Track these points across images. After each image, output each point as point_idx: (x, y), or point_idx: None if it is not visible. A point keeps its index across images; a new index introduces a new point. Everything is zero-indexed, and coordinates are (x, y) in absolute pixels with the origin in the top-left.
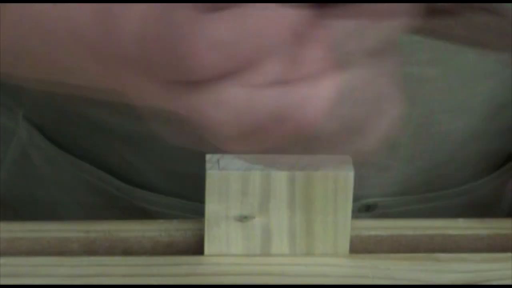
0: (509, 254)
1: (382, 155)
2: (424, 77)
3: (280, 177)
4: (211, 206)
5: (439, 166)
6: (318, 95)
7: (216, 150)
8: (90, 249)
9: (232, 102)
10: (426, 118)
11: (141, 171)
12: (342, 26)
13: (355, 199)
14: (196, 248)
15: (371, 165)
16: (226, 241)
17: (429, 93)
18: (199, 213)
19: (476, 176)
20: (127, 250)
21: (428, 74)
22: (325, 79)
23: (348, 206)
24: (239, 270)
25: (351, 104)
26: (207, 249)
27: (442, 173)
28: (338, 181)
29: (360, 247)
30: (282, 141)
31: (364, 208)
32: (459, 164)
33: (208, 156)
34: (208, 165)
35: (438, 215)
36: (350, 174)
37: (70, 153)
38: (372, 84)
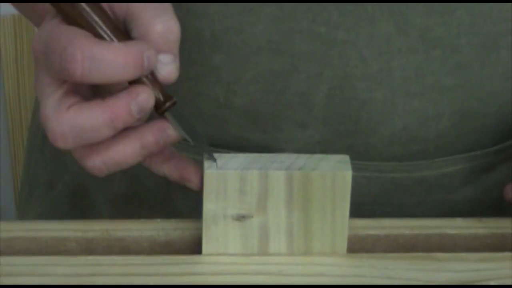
0: (507, 254)
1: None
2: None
3: (278, 176)
4: (209, 205)
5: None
6: None
7: None
8: (87, 248)
9: None
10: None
11: None
12: None
13: None
14: (194, 247)
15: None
16: (224, 240)
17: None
18: None
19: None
20: (124, 249)
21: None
22: None
23: (346, 205)
24: (236, 270)
25: None
26: (204, 248)
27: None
28: (336, 180)
29: (357, 246)
30: None
31: None
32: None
33: (206, 155)
34: (206, 165)
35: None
36: (348, 174)
37: None
38: None
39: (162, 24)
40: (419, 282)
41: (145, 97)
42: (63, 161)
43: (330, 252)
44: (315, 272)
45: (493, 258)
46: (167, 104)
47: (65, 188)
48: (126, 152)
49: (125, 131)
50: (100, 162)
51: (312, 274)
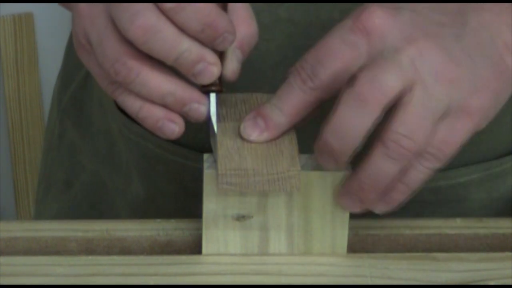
0: (507, 254)
1: None
2: None
3: None
4: (209, 206)
5: None
6: None
7: None
8: (88, 248)
9: None
10: None
11: None
12: None
13: None
14: (194, 247)
15: None
16: (224, 240)
17: None
18: None
19: None
20: (125, 249)
21: None
22: None
23: None
24: (236, 270)
25: None
26: (205, 248)
27: None
28: (336, 180)
29: (357, 246)
30: None
31: None
32: None
33: (205, 156)
34: (205, 165)
35: None
36: (348, 174)
37: None
38: None
39: (252, 28)
40: (419, 282)
41: (214, 61)
42: (80, 160)
43: (330, 252)
44: (315, 272)
45: (493, 258)
46: (217, 86)
47: (82, 188)
48: (157, 84)
49: (174, 73)
50: (137, 69)
51: (312, 274)
